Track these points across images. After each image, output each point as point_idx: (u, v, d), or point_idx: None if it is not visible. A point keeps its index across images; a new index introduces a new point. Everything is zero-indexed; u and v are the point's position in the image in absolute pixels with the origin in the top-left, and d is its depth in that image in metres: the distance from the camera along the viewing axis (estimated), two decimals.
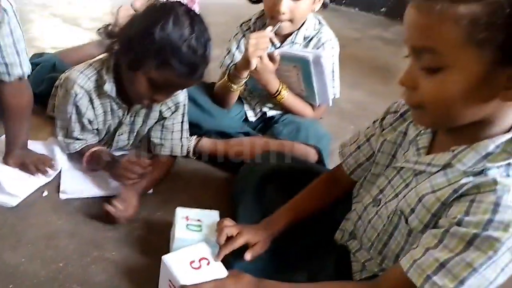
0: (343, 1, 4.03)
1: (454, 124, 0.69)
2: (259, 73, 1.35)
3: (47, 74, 1.47)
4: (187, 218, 0.99)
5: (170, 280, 0.87)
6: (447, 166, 0.73)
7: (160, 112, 1.24)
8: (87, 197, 1.17)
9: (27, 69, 1.12)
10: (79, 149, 1.24)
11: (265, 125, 1.52)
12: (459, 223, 0.67)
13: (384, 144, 0.90)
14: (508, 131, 0.69)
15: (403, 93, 0.72)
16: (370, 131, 0.97)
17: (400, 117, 0.89)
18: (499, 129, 0.69)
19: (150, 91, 1.08)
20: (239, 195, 1.14)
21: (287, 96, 1.44)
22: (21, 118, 1.19)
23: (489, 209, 0.65)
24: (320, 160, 1.33)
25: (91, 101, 1.17)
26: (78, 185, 1.20)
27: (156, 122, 1.26)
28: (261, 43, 1.29)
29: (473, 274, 0.65)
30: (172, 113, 1.25)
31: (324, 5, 1.41)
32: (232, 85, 1.40)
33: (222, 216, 1.00)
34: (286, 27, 1.39)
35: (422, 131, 0.82)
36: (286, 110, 1.49)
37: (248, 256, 0.94)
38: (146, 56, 1.02)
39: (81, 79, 1.14)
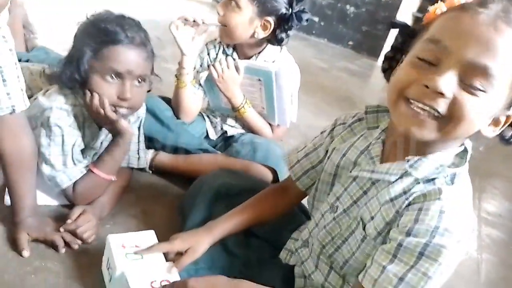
0: (313, 32, 4.16)
1: (449, 138, 0.72)
2: (226, 83, 1.38)
3: None
4: (123, 245, 0.92)
5: None
6: (404, 175, 0.77)
7: None
8: None
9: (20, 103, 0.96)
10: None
11: (225, 144, 1.53)
12: (409, 233, 0.71)
13: (333, 152, 0.93)
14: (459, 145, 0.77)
15: (421, 93, 0.68)
16: (319, 141, 1.00)
17: (348, 127, 0.94)
18: (449, 145, 0.76)
19: (113, 89, 1.07)
20: (187, 210, 1.13)
21: (249, 111, 1.46)
22: (24, 171, 1.01)
23: (435, 217, 0.70)
24: (276, 181, 1.34)
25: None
26: None
27: None
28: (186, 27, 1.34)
29: (428, 282, 0.69)
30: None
31: (278, 41, 1.40)
32: (178, 80, 1.41)
33: (168, 232, 0.98)
34: (220, 31, 1.41)
35: (373, 141, 0.86)
36: (246, 126, 1.51)
37: (179, 265, 0.91)
38: (83, 55, 1.05)
39: (60, 115, 1.08)
